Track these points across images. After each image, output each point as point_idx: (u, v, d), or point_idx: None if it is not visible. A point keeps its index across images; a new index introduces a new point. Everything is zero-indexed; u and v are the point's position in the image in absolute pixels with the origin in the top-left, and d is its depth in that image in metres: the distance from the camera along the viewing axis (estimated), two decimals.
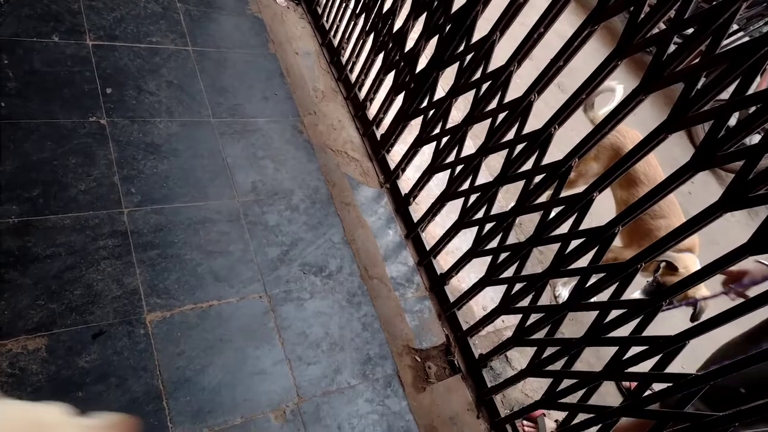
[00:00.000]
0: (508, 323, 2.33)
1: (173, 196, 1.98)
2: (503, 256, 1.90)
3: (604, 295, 1.55)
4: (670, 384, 1.38)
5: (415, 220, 2.30)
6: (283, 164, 2.27)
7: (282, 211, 2.13)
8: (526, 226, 2.79)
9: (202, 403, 1.61)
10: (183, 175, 2.04)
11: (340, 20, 2.74)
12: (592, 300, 1.61)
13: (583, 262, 1.59)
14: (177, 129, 2.16)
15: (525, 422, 2.05)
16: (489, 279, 1.96)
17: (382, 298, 2.10)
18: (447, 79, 1.97)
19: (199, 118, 2.24)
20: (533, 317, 1.81)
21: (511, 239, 1.88)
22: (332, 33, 2.81)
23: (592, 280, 1.59)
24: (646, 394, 1.47)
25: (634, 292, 2.29)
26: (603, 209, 1.53)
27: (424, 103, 2.15)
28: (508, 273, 1.90)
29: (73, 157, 1.86)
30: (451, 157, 2.07)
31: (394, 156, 2.46)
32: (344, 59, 2.72)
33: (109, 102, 2.05)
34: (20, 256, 1.63)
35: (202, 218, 1.97)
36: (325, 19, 2.86)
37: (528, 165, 1.75)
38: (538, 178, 1.71)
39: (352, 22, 2.57)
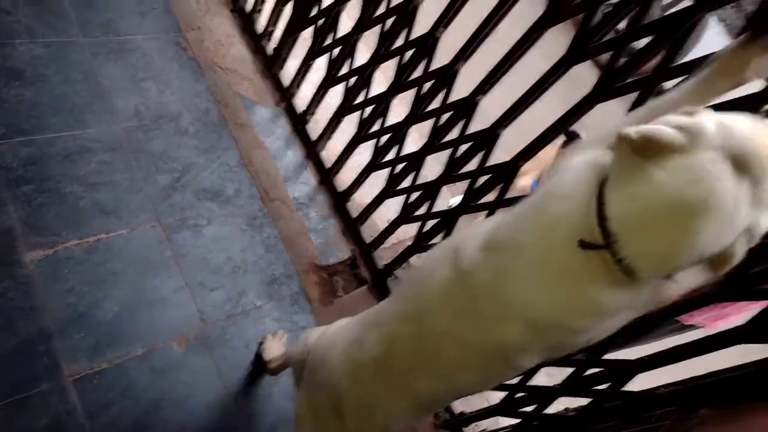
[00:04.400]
0: (412, 233, 2.39)
1: (45, 125, 1.80)
2: (400, 166, 1.91)
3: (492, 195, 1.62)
4: None
5: (314, 139, 2.25)
6: (167, 85, 2.11)
7: (170, 135, 2.00)
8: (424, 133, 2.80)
9: (99, 337, 1.56)
10: (54, 102, 1.85)
11: None
12: (480, 202, 1.67)
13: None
14: (41, 51, 1.93)
15: None
16: (388, 190, 1.98)
17: (284, 219, 2.08)
18: None
19: (67, 38, 2.01)
20: (431, 224, 1.86)
21: (410, 148, 1.90)
22: None
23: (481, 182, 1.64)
24: None
25: None
26: (493, 113, 1.55)
27: (314, 11, 2.04)
28: (407, 184, 1.93)
29: None
30: (345, 69, 2.00)
31: (288, 72, 2.35)
32: None
33: None
34: None
35: (81, 148, 1.81)
36: None
37: (419, 72, 1.73)
38: (428, 85, 1.70)
39: None
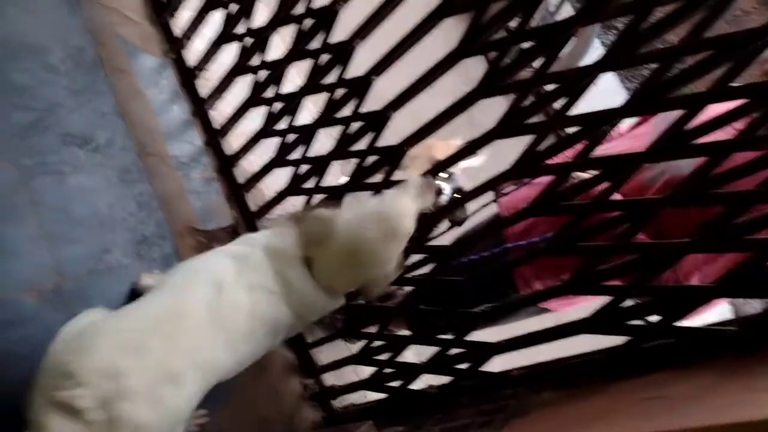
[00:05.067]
0: (299, 206, 2.36)
1: None
2: (292, 137, 1.87)
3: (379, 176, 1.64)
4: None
5: (204, 96, 2.12)
6: (36, 15, 1.87)
7: (35, 70, 1.78)
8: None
9: None
10: None
11: None
12: (368, 181, 1.69)
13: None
14: None
15: None
16: (278, 160, 1.93)
17: (161, 177, 1.95)
18: None
19: None
20: (318, 198, 1.85)
21: (305, 119, 1.86)
22: None
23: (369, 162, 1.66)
24: None
25: None
26: (386, 94, 1.57)
27: None
28: (298, 155, 1.89)
29: None
30: (242, 29, 1.91)
31: (181, 22, 2.19)
32: None
33: None
34: None
35: None
36: None
37: (317, 44, 1.69)
38: (325, 57, 1.67)
39: None
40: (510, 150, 1.48)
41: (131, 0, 2.19)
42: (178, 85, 2.17)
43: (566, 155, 1.55)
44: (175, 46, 2.17)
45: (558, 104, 1.29)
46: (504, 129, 1.32)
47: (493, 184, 1.39)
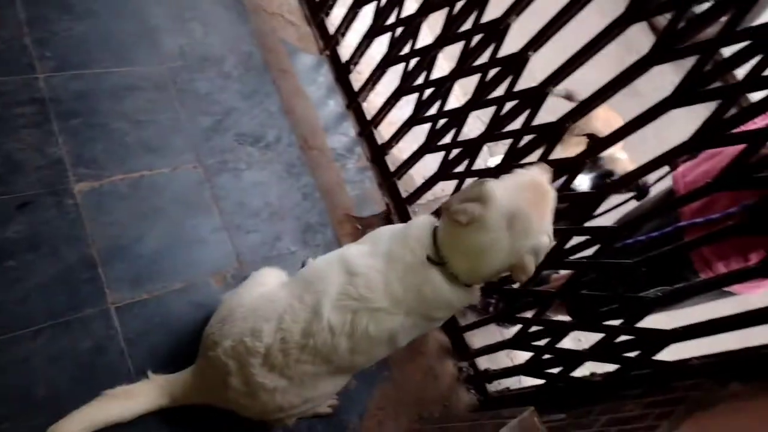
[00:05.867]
0: (448, 191, 2.37)
1: (94, 61, 1.82)
2: (442, 122, 1.89)
3: (533, 157, 1.59)
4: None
5: (357, 89, 2.22)
6: (212, 27, 2.11)
7: (213, 78, 2.01)
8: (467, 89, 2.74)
9: (139, 269, 1.62)
10: (103, 38, 1.87)
11: None
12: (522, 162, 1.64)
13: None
14: None
15: None
16: (428, 146, 1.96)
17: (322, 169, 2.09)
18: None
19: None
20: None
21: (452, 105, 1.86)
22: None
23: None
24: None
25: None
26: (538, 70, 1.51)
27: None
28: (448, 140, 1.90)
29: None
30: (392, 19, 1.96)
31: (334, 20, 2.32)
32: None
33: None
34: None
35: (128, 85, 1.84)
36: None
37: (467, 25, 1.68)
38: (477, 38, 1.65)
39: None
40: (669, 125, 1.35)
41: (290, 4, 2.36)
42: (333, 80, 2.30)
43: (756, 123, 1.37)
44: (329, 43, 2.30)
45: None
46: (683, 96, 1.20)
47: (671, 157, 1.26)
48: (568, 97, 2.18)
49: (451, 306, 1.30)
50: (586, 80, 1.59)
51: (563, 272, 2.03)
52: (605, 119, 2.09)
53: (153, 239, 1.67)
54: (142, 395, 1.34)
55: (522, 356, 1.84)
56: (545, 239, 1.19)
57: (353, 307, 1.22)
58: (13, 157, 1.58)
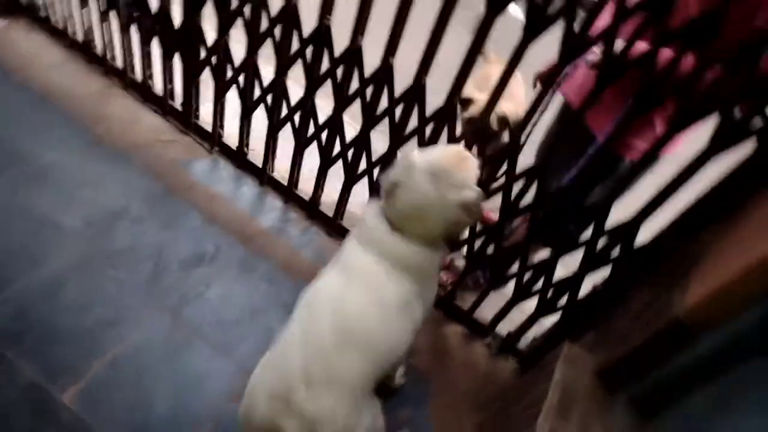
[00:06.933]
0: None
1: (8, 276, 1.78)
2: (351, 153, 1.97)
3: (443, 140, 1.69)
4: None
5: (261, 166, 2.27)
6: (102, 185, 2.10)
7: (129, 227, 2.00)
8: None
9: None
10: (4, 250, 1.83)
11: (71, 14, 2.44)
12: None
13: None
14: None
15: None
16: (351, 179, 2.04)
17: (271, 249, 2.11)
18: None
19: None
20: None
21: (351, 134, 1.95)
22: (71, 30, 2.51)
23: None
24: None
25: None
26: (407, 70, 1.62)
27: (203, 53, 2.05)
28: (364, 165, 1.99)
29: None
30: (257, 92, 2.03)
31: (207, 118, 2.36)
32: (99, 49, 2.46)
33: None
34: None
35: (53, 280, 1.80)
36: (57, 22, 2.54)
37: (326, 64, 1.77)
38: (340, 72, 1.75)
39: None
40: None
41: (158, 126, 2.38)
42: (235, 169, 2.34)
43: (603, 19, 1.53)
44: (214, 139, 2.34)
45: None
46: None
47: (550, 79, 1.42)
48: None
49: (425, 270, 1.39)
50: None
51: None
52: (498, 67, 2.15)
53: (162, 401, 1.64)
54: None
55: (531, 305, 1.93)
56: (471, 193, 1.31)
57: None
58: None
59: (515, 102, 1.99)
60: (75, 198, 2.03)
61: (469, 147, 1.69)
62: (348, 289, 1.31)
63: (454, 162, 1.32)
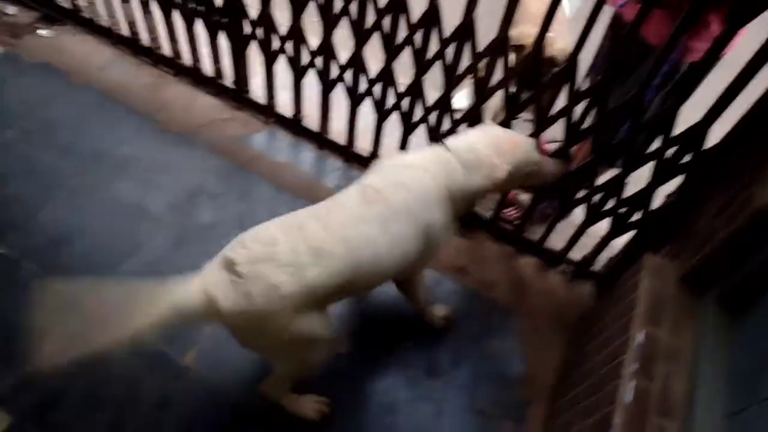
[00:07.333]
0: None
1: (114, 260, 1.92)
2: (405, 103, 2.00)
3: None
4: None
5: (317, 130, 2.34)
6: (175, 169, 2.23)
7: (207, 204, 2.13)
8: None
9: None
10: (107, 236, 1.98)
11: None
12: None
13: None
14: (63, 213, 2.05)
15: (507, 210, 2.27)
16: (407, 128, 2.08)
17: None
18: None
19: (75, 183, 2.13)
20: None
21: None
22: (116, 27, 2.61)
23: None
24: None
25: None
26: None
27: (247, 27, 2.10)
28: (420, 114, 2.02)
29: None
30: (306, 57, 2.08)
31: (258, 91, 2.43)
32: (145, 40, 2.56)
33: None
34: None
35: (154, 260, 1.94)
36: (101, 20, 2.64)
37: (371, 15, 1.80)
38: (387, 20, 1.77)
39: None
40: None
41: (214, 105, 2.48)
42: (293, 137, 2.43)
43: None
44: (268, 111, 2.41)
45: None
46: None
47: None
48: None
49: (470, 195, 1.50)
50: None
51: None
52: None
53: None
54: None
55: (599, 228, 1.95)
56: (500, 173, 1.46)
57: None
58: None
59: (561, 26, 1.96)
60: (154, 183, 2.17)
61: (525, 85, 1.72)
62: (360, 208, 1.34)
63: (495, 143, 1.48)
